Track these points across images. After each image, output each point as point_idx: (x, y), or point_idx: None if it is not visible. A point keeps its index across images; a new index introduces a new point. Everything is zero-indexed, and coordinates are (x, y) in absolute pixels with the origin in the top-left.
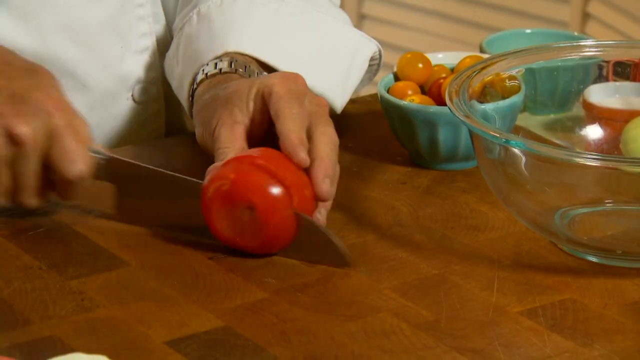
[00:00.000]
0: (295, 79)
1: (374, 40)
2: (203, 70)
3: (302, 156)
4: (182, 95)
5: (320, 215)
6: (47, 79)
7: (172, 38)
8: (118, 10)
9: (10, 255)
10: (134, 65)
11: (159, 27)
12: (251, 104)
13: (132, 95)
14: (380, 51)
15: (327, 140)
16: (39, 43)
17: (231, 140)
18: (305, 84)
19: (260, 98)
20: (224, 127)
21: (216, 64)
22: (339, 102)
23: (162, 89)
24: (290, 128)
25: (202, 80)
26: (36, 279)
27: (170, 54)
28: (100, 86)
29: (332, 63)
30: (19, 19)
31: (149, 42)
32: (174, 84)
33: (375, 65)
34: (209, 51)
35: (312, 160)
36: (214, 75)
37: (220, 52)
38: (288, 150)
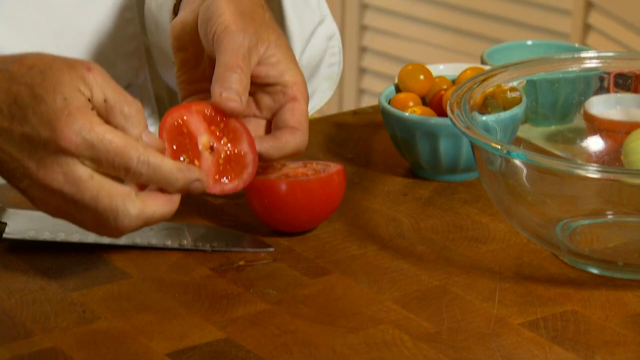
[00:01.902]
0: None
1: (337, 29)
2: None
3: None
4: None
5: None
6: (49, 100)
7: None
8: (108, 14)
9: (11, 267)
10: (125, 67)
11: (143, 30)
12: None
13: None
14: (339, 45)
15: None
16: (34, 49)
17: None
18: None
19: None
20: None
21: None
22: (298, 53)
23: (153, 91)
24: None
25: None
26: (38, 290)
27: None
28: None
29: (307, 12)
30: (15, 26)
31: (137, 45)
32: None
33: (336, 67)
34: None
35: None
36: None
37: None
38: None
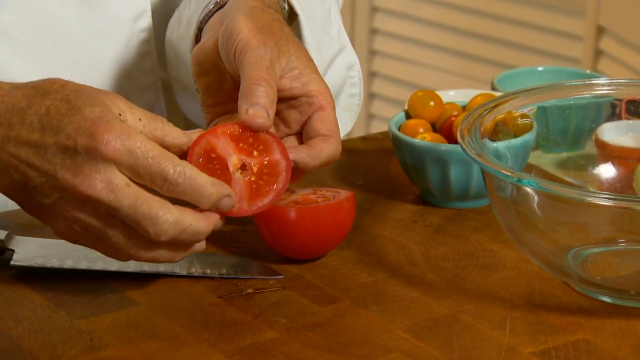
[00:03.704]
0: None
1: (357, 59)
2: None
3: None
4: (189, 36)
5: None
6: (87, 111)
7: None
8: (125, 46)
9: (19, 294)
10: (141, 101)
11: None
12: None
13: None
14: (360, 75)
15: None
16: None
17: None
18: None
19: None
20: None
21: None
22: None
23: None
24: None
25: (214, 11)
26: (45, 318)
27: (172, 20)
28: None
29: (326, 41)
30: (29, 56)
31: (154, 79)
32: (175, 41)
33: (356, 99)
34: None
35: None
36: (222, 5)
37: None
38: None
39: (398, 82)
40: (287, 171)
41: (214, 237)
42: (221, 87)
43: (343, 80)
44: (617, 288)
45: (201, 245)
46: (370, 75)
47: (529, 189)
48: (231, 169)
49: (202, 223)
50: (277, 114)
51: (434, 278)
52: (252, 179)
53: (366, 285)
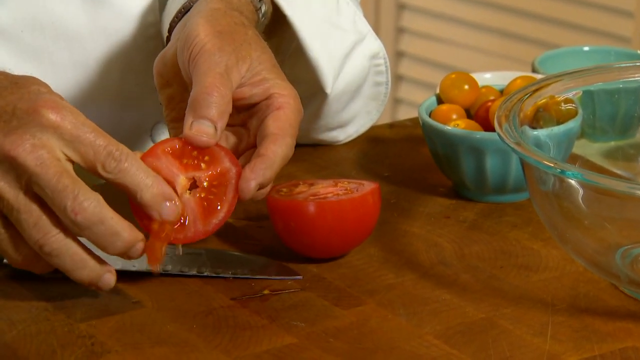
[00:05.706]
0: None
1: (382, 46)
2: None
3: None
4: (166, 21)
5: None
6: (33, 87)
7: None
8: (132, 44)
9: (13, 296)
10: (152, 104)
11: None
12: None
13: (151, 136)
14: (386, 63)
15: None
16: (51, 82)
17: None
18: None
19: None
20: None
21: None
22: (330, 80)
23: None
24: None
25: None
26: (42, 321)
27: (163, 15)
28: (118, 127)
29: (336, 35)
30: (29, 56)
31: None
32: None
33: (382, 87)
34: None
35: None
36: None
37: None
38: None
39: (428, 63)
40: (236, 178)
41: (225, 234)
42: (184, 99)
43: (366, 70)
44: None
45: (109, 280)
46: (398, 56)
47: (573, 182)
48: (179, 191)
49: (124, 225)
50: (242, 124)
51: (469, 279)
52: (202, 195)
53: (393, 287)
